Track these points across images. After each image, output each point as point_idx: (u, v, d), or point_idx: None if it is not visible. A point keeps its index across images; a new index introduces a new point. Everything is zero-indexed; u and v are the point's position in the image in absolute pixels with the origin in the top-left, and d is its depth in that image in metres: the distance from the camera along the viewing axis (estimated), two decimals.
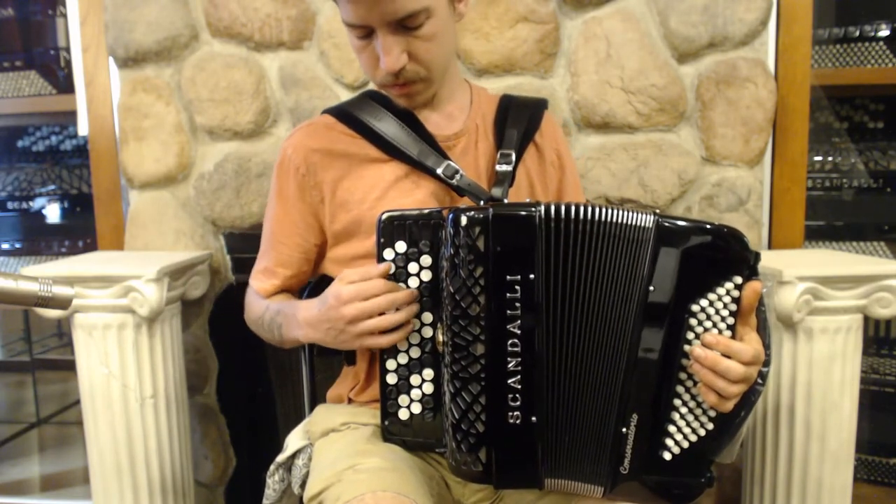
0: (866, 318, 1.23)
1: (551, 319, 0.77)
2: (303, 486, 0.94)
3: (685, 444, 0.77)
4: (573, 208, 0.76)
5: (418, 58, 0.87)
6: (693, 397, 0.77)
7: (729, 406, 0.75)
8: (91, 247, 1.85)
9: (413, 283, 0.83)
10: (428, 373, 0.85)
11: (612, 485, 0.79)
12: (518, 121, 1.00)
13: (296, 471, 0.98)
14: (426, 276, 0.83)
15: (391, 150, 0.95)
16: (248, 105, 1.47)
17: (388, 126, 0.95)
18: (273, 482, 0.99)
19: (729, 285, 0.75)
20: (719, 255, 0.75)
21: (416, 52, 0.87)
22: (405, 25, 0.84)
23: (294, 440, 1.01)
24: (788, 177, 1.46)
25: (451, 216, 0.78)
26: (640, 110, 1.39)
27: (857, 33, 1.65)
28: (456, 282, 0.77)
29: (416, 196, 0.94)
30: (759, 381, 0.77)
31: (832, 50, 1.67)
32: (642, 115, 1.39)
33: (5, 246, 2.07)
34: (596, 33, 1.39)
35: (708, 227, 0.75)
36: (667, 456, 0.77)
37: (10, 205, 2.09)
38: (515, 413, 0.77)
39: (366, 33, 0.86)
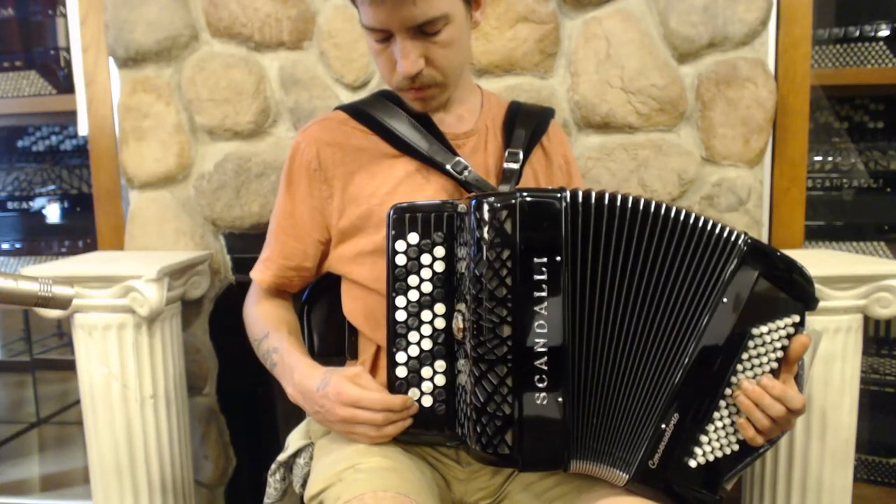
0: (866, 318, 1.23)
1: (580, 303, 0.78)
2: (304, 485, 0.94)
3: (711, 458, 0.79)
4: (607, 195, 0.79)
5: (435, 63, 0.89)
6: (730, 415, 0.79)
7: (760, 441, 0.78)
8: (91, 247, 1.85)
9: (426, 274, 0.84)
10: (440, 364, 0.85)
11: (637, 476, 0.79)
12: (526, 124, 1.02)
13: (297, 470, 0.98)
14: (439, 266, 0.84)
15: (402, 146, 0.96)
16: (248, 105, 1.47)
17: (399, 123, 0.97)
18: (274, 481, 0.99)
19: (788, 320, 0.78)
20: (790, 289, 0.78)
21: (433, 58, 0.88)
22: (424, 31, 0.85)
23: (295, 439, 1.01)
24: (788, 177, 1.46)
25: (473, 202, 0.80)
26: (640, 110, 1.39)
27: (857, 33, 1.65)
28: (482, 266, 0.78)
29: (427, 191, 0.95)
30: (777, 438, 0.81)
31: (832, 50, 1.67)
32: (642, 115, 1.39)
33: (5, 246, 2.07)
34: (596, 33, 1.39)
35: (789, 259, 0.79)
36: (692, 464, 0.79)
37: (10, 205, 2.09)
38: (542, 395, 0.78)
39: (384, 37, 0.87)
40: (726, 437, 0.79)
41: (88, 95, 1.59)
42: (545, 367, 0.77)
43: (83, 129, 1.61)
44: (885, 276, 1.19)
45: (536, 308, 0.77)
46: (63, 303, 0.63)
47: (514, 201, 0.78)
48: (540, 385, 0.77)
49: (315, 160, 0.97)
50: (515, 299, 0.77)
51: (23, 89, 1.89)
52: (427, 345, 0.85)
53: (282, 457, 0.99)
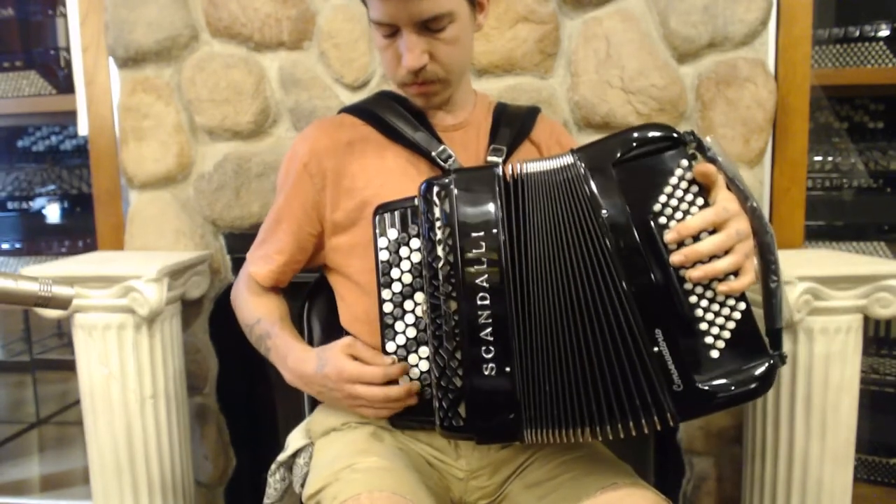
0: (866, 319, 1.23)
1: (517, 270, 0.79)
2: (304, 485, 0.94)
3: (727, 334, 0.74)
4: (520, 165, 0.81)
5: (439, 59, 0.92)
6: (707, 286, 0.74)
7: (748, 278, 0.74)
8: (91, 247, 1.85)
9: (405, 265, 0.87)
10: (424, 350, 0.87)
11: (672, 408, 0.74)
12: (512, 124, 1.04)
13: (297, 470, 0.98)
14: (416, 257, 0.87)
15: (391, 132, 0.99)
16: (247, 105, 1.46)
17: (391, 112, 1.01)
18: (274, 481, 0.99)
19: (679, 172, 0.75)
20: (650, 151, 0.76)
21: (437, 54, 0.91)
22: (429, 27, 0.88)
23: (295, 439, 1.01)
24: (788, 177, 1.46)
25: (422, 187, 0.83)
26: (640, 110, 1.39)
27: (857, 33, 1.65)
28: (429, 245, 0.82)
29: (418, 182, 0.95)
30: (771, 257, 0.76)
31: (832, 50, 1.67)
32: (642, 115, 1.39)
33: (5, 246, 2.07)
34: (596, 33, 1.39)
35: (624, 132, 0.78)
36: (714, 354, 0.74)
37: (10, 205, 2.09)
38: (490, 365, 0.79)
39: (391, 32, 0.90)
40: (722, 306, 0.74)
41: (88, 95, 1.59)
42: (490, 338, 0.78)
43: (83, 129, 1.61)
44: (885, 276, 1.19)
45: (478, 281, 0.78)
46: (63, 303, 0.63)
47: (450, 181, 0.81)
48: (487, 356, 0.78)
49: (307, 154, 1.00)
50: (457, 274, 0.79)
51: (23, 89, 1.89)
52: (412, 333, 0.87)
53: (281, 457, 1.00)
